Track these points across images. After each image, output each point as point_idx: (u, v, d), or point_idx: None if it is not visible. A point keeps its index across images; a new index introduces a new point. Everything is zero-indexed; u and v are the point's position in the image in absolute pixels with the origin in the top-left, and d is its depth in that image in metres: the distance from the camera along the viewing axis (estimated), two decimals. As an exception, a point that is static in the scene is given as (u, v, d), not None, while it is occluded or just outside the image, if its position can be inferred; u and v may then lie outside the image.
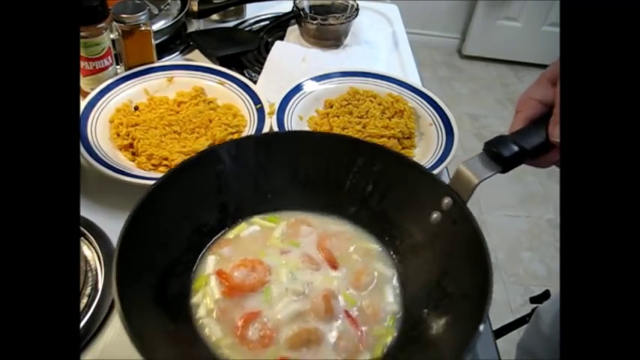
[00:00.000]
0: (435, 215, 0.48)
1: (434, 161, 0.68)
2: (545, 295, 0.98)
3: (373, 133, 0.70)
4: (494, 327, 0.58)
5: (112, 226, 0.59)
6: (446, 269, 0.46)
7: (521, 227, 1.79)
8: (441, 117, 0.74)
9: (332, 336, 0.45)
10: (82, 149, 0.63)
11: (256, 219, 0.54)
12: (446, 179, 0.71)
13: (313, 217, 0.55)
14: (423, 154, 0.71)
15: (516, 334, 1.03)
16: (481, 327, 0.37)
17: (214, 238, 0.52)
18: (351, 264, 0.51)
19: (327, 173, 0.54)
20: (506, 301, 1.56)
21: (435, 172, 0.65)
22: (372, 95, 0.77)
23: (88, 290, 0.53)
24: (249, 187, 0.54)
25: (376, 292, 0.49)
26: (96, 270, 0.55)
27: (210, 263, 0.50)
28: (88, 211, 0.60)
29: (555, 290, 0.94)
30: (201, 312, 0.46)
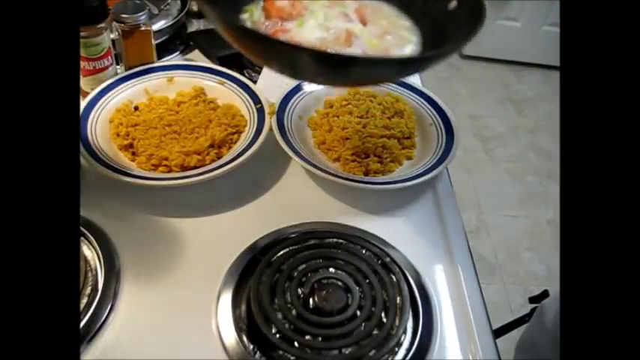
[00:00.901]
0: (453, 4, 0.56)
1: (434, 161, 0.68)
2: (544, 295, 0.98)
3: (373, 133, 0.71)
4: (494, 327, 0.58)
5: (112, 226, 0.60)
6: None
7: (521, 227, 1.79)
8: (441, 117, 0.74)
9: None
10: (82, 149, 0.63)
11: None
12: (445, 179, 0.71)
13: None
14: (423, 154, 0.71)
15: (516, 334, 1.03)
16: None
17: None
18: (379, 25, 0.57)
19: None
20: (506, 301, 1.56)
21: (435, 172, 0.65)
22: (371, 95, 0.77)
23: (88, 290, 0.53)
24: None
25: (396, 44, 0.56)
26: (96, 270, 0.55)
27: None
28: (88, 211, 0.61)
29: (555, 288, 0.94)
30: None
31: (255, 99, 0.74)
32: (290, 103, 0.74)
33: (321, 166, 0.65)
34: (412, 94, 0.78)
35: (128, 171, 0.62)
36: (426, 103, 0.77)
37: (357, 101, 0.76)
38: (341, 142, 0.70)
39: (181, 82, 0.77)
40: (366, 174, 0.67)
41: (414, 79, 0.85)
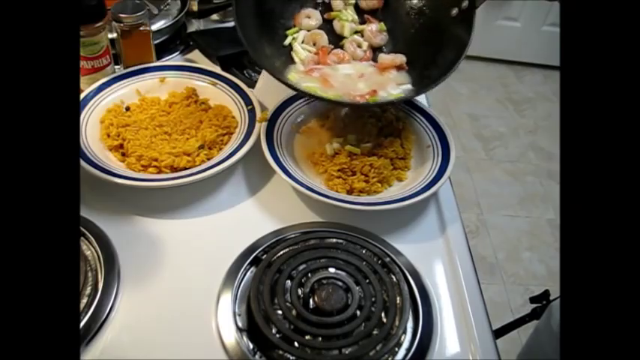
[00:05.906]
0: (454, 11, 0.70)
1: (424, 184, 0.65)
2: (544, 295, 0.98)
3: (363, 150, 0.68)
4: (494, 327, 0.58)
5: (112, 226, 0.60)
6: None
7: (521, 227, 1.79)
8: (440, 140, 0.71)
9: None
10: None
11: None
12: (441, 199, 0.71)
13: None
14: (416, 176, 0.68)
15: (516, 334, 1.03)
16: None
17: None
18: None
19: None
20: (506, 301, 1.56)
21: (424, 196, 0.62)
22: (371, 111, 0.74)
23: (88, 290, 0.53)
24: None
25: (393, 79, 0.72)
26: (96, 270, 0.55)
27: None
28: (87, 211, 0.61)
29: (555, 288, 0.94)
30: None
31: (247, 100, 0.73)
32: (285, 111, 0.72)
33: (301, 179, 0.63)
34: (416, 113, 0.75)
35: (116, 172, 0.62)
36: (428, 124, 0.74)
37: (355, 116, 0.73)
38: (329, 156, 0.68)
39: (173, 83, 0.77)
40: (350, 192, 0.65)
41: (421, 99, 0.82)
